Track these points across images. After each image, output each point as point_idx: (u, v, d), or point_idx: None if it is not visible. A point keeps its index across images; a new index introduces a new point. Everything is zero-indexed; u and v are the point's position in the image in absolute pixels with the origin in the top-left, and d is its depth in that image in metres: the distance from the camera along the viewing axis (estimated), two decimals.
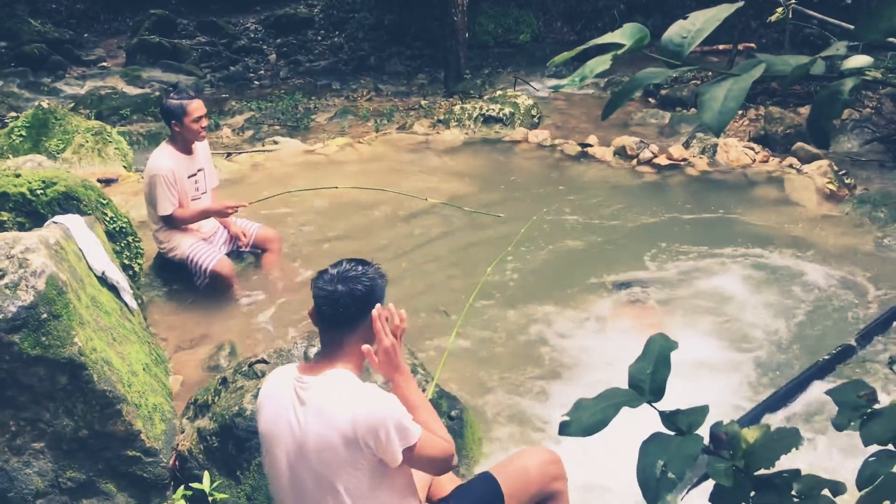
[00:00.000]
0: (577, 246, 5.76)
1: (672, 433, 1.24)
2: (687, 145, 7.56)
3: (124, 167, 7.13)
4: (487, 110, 8.48)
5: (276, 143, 8.10)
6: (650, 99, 10.05)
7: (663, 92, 9.89)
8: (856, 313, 4.72)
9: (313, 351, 3.71)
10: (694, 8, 1.17)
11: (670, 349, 1.32)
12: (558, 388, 4.12)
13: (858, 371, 4.08)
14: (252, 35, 16.37)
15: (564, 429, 1.26)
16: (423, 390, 3.44)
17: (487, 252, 5.38)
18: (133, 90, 11.77)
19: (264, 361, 3.41)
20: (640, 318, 4.77)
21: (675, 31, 1.09)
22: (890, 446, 1.28)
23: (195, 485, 3.11)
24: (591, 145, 7.71)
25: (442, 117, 8.72)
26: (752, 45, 11.69)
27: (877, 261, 5.37)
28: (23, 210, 3.99)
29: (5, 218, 3.95)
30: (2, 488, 2.95)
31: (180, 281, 5.04)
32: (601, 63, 1.07)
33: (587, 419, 1.24)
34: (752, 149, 7.40)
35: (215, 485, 3.10)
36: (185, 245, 4.88)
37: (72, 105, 10.16)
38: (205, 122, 4.84)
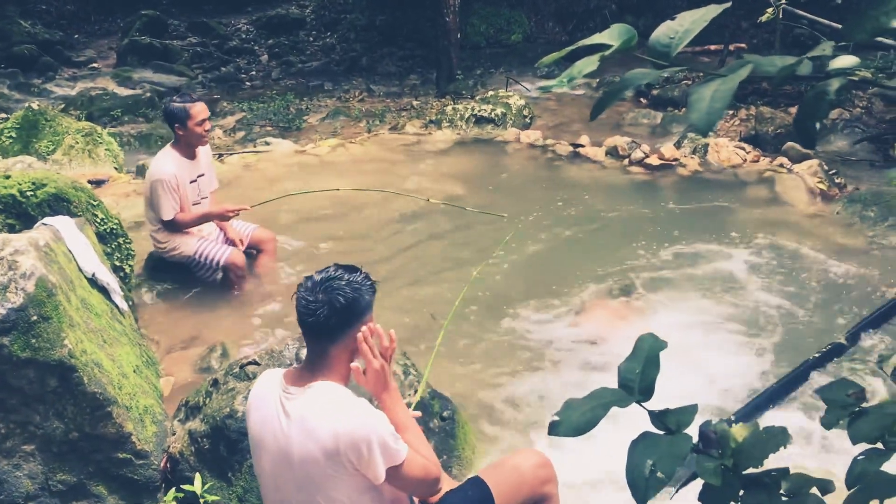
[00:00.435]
0: (567, 245, 5.77)
1: (661, 432, 1.24)
2: (678, 145, 7.58)
3: (115, 168, 7.11)
4: (479, 111, 8.48)
5: (267, 143, 8.08)
6: (642, 99, 10.07)
7: (655, 92, 9.92)
8: (845, 311, 4.74)
9: (304, 353, 3.71)
10: (685, 8, 1.17)
11: (659, 349, 1.33)
12: (549, 388, 4.12)
13: (850, 368, 4.09)
14: (243, 36, 16.34)
15: (554, 429, 1.26)
16: (415, 391, 3.43)
17: (480, 253, 5.38)
18: (124, 91, 11.74)
19: (256, 363, 3.40)
20: (628, 318, 4.78)
21: (663, 32, 1.10)
22: (879, 444, 1.29)
23: (186, 487, 3.10)
24: (582, 145, 7.72)
25: (434, 118, 8.72)
26: (744, 45, 11.73)
27: (867, 259, 5.40)
28: (12, 212, 3.97)
29: None
30: None
31: (172, 283, 5.03)
32: (589, 64, 1.07)
33: (577, 419, 1.24)
34: (743, 148, 7.43)
35: (207, 487, 3.10)
36: (190, 243, 4.88)
37: (62, 106, 10.13)
38: (208, 126, 4.82)
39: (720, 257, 5.47)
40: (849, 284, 5.08)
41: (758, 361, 4.29)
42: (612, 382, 1.33)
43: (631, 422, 1.37)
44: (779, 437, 1.23)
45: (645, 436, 1.23)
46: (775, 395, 3.86)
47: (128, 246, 4.58)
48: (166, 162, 4.77)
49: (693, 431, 1.25)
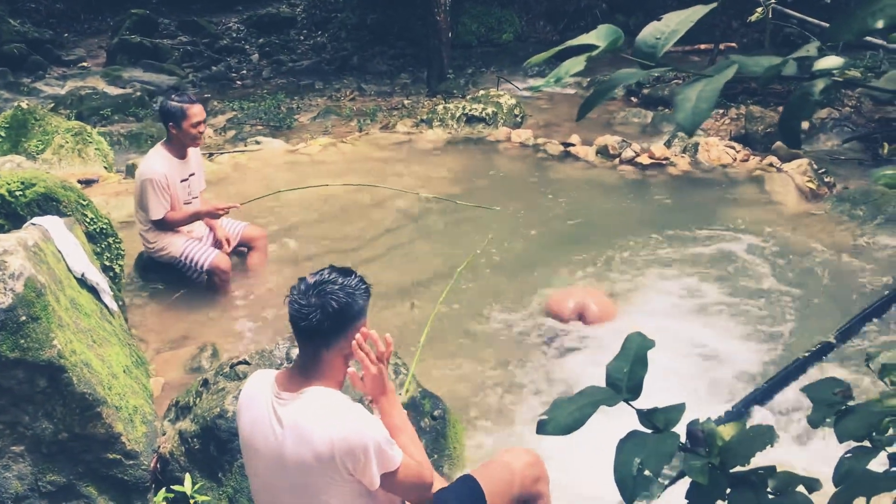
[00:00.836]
0: (554, 241, 5.79)
1: (649, 431, 1.25)
2: (668, 144, 7.60)
3: (105, 168, 7.09)
4: (470, 110, 8.48)
5: (258, 143, 8.07)
6: (633, 98, 10.10)
7: (646, 91, 9.94)
8: (834, 310, 4.76)
9: (296, 352, 3.71)
10: (675, 7, 1.17)
11: (647, 348, 1.33)
12: (538, 383, 4.13)
13: (842, 366, 4.12)
14: (234, 35, 16.31)
15: (542, 428, 1.26)
16: (406, 390, 3.44)
17: (470, 250, 5.38)
18: (114, 90, 11.70)
19: (246, 363, 3.40)
20: (617, 313, 4.78)
21: (649, 33, 1.10)
22: (866, 443, 1.30)
23: (176, 487, 3.10)
24: (573, 144, 7.73)
25: (425, 117, 8.71)
26: (734, 44, 11.76)
27: (855, 258, 5.42)
28: (1, 212, 3.95)
29: None
30: None
31: (162, 282, 5.02)
32: (576, 64, 1.07)
33: (565, 418, 1.25)
34: (733, 147, 7.45)
35: (197, 487, 3.09)
36: (178, 244, 4.86)
37: (52, 105, 10.08)
38: (203, 128, 4.79)
39: (709, 255, 5.49)
40: (837, 283, 5.11)
41: (746, 360, 4.31)
42: (602, 377, 1.33)
43: (621, 421, 1.38)
44: (765, 436, 1.24)
45: (633, 434, 1.23)
46: (765, 393, 3.87)
47: (118, 246, 4.56)
48: (156, 161, 4.75)
49: (681, 430, 1.25)
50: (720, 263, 5.37)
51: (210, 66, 13.74)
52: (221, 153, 7.78)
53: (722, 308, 4.84)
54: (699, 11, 1.10)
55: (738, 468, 1.25)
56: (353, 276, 2.34)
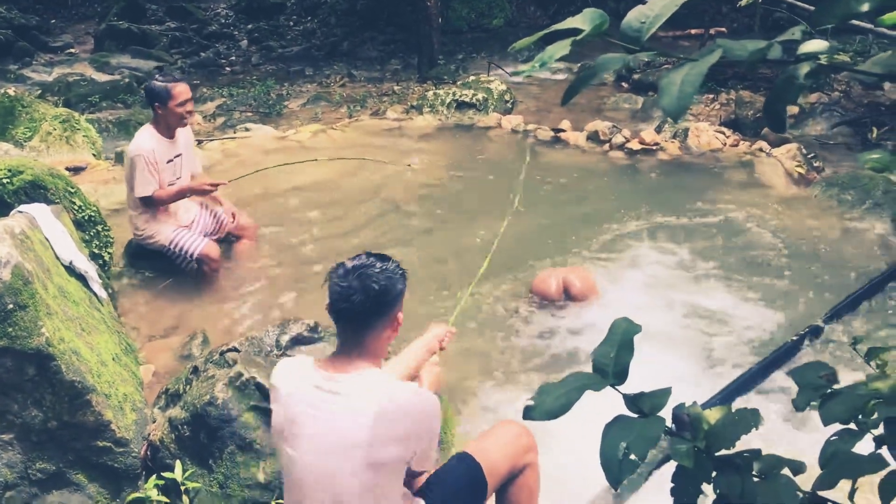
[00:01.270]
0: (544, 224, 5.78)
1: (635, 415, 1.25)
2: (659, 130, 7.61)
3: (93, 155, 7.04)
4: (461, 96, 8.46)
5: (247, 129, 8.03)
6: (623, 84, 10.09)
7: (636, 77, 9.93)
8: (822, 294, 4.78)
9: (285, 339, 3.71)
10: None
11: (633, 332, 1.34)
12: (525, 366, 4.14)
13: (826, 351, 4.14)
14: (223, 20, 16.20)
15: (529, 413, 1.27)
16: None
17: (459, 236, 5.38)
18: (102, 77, 11.62)
19: (236, 350, 3.39)
20: (606, 296, 4.79)
21: (634, 17, 1.10)
22: (851, 425, 1.30)
23: (167, 474, 3.09)
24: (563, 130, 7.72)
25: (415, 103, 8.69)
26: (724, 29, 11.76)
27: (844, 242, 5.45)
28: None
29: None
30: None
31: (151, 270, 5.00)
32: (560, 48, 1.07)
33: (551, 403, 1.25)
34: (723, 133, 7.46)
35: (187, 474, 3.09)
36: (167, 232, 4.84)
37: (39, 92, 10.01)
38: (189, 107, 4.76)
39: (697, 239, 5.50)
40: (825, 267, 5.13)
41: (734, 343, 4.33)
42: (588, 354, 1.33)
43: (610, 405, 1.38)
44: (750, 419, 1.24)
45: (619, 419, 1.24)
46: (752, 377, 3.89)
47: (106, 233, 4.54)
48: (145, 138, 4.72)
49: (666, 414, 1.26)
50: (708, 247, 5.39)
51: (199, 53, 13.66)
52: (211, 140, 7.74)
53: (710, 289, 4.86)
54: None
55: (724, 451, 1.26)
56: (390, 261, 2.39)
